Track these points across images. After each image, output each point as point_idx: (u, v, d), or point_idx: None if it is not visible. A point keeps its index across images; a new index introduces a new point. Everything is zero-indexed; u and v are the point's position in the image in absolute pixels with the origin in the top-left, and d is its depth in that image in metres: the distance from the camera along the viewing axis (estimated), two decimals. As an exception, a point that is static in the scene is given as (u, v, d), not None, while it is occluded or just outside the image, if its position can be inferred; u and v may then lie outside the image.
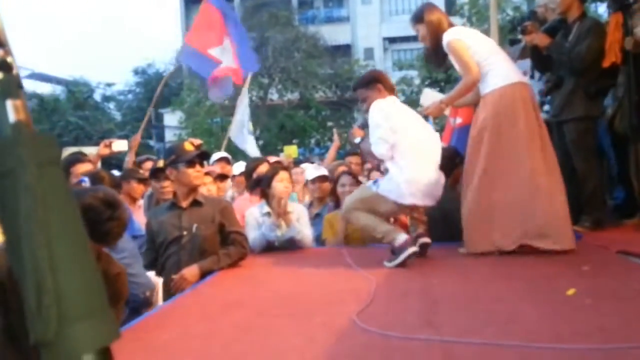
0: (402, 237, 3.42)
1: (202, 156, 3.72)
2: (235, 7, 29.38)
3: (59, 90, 32.66)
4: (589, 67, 4.29)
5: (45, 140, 0.60)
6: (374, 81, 3.77)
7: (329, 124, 24.83)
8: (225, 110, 23.01)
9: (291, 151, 7.21)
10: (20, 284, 0.56)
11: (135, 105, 33.85)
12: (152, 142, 30.86)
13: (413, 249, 3.41)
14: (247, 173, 5.17)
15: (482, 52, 3.65)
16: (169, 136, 28.82)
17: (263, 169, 4.92)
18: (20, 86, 0.60)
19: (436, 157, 3.64)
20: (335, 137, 7.60)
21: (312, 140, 24.15)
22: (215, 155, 6.01)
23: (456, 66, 3.72)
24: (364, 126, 3.99)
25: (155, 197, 4.64)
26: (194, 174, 3.60)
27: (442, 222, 4.11)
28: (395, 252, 3.43)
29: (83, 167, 4.19)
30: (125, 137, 28.90)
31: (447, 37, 3.72)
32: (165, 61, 34.72)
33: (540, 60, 4.67)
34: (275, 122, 23.00)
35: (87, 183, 3.62)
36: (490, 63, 3.62)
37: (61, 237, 0.57)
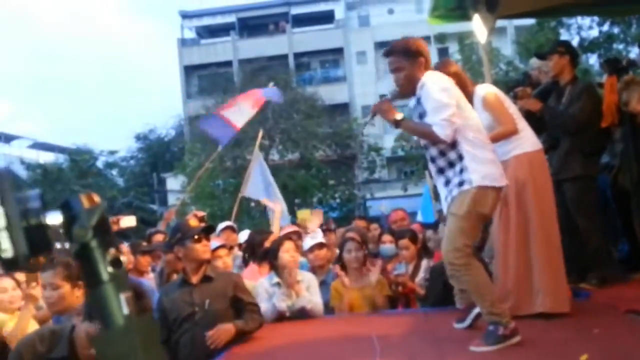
0: (512, 323, 3.00)
1: (208, 230, 3.82)
2: (234, 72, 30.17)
3: (62, 158, 33.08)
4: (583, 128, 4.42)
5: (149, 324, 0.75)
6: (418, 54, 3.27)
7: (331, 182, 25.01)
8: (227, 173, 23.27)
9: (305, 215, 7.31)
10: None
11: (138, 171, 34.21)
12: (155, 207, 31.02)
13: (517, 338, 2.97)
14: (252, 245, 5.19)
15: (513, 112, 3.80)
16: (172, 200, 28.98)
17: (271, 239, 4.98)
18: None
19: None
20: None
21: (315, 199, 24.25)
22: (220, 226, 6.08)
23: (481, 116, 3.54)
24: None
25: (166, 271, 4.69)
26: (202, 248, 3.68)
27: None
28: (497, 335, 2.96)
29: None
30: (129, 203, 29.20)
31: (483, 90, 3.78)
32: (167, 126, 35.35)
33: (534, 122, 4.81)
34: (276, 182, 23.10)
35: None
36: (520, 126, 3.75)
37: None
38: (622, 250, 5.25)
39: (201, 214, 4.52)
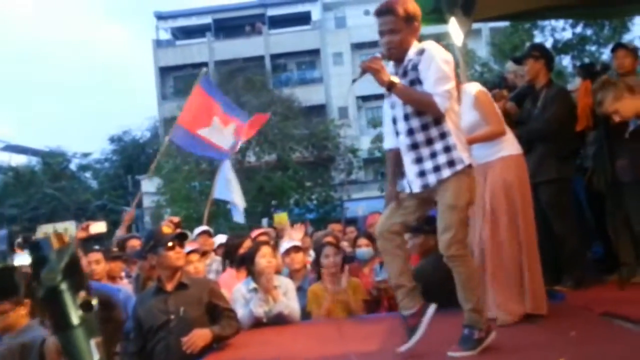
0: (487, 323, 3.03)
1: (181, 237, 3.77)
2: (210, 74, 29.97)
3: (34, 161, 32.53)
4: (557, 132, 4.46)
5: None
6: (414, 18, 3.10)
7: (308, 183, 24.97)
8: (203, 175, 23.10)
9: (281, 219, 7.28)
10: None
11: (112, 173, 33.77)
12: (129, 209, 30.65)
13: (493, 335, 3.00)
14: (230, 250, 5.13)
15: (498, 113, 3.78)
16: (147, 203, 28.68)
17: (248, 244, 4.93)
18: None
19: None
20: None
21: (291, 201, 24.20)
22: (196, 230, 6.02)
23: (467, 115, 3.56)
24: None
25: (142, 277, 4.61)
26: (175, 256, 3.63)
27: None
28: (473, 339, 2.95)
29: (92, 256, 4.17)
30: (103, 205, 28.83)
31: (473, 88, 3.72)
32: (142, 128, 34.98)
33: (510, 125, 4.84)
34: (253, 184, 23.05)
35: None
36: (506, 128, 3.75)
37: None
38: (597, 251, 5.31)
39: (176, 219, 4.46)
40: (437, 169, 3.03)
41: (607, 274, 4.76)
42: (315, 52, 33.15)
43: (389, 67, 3.20)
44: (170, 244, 3.60)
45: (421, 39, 3.22)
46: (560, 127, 4.45)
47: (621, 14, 9.66)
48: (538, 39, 17.45)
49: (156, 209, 25.63)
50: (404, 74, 3.10)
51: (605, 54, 16.39)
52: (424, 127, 3.05)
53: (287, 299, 4.26)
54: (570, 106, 4.60)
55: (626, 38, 16.40)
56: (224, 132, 7.99)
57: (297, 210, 23.92)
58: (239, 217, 8.80)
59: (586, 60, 16.83)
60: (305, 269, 4.89)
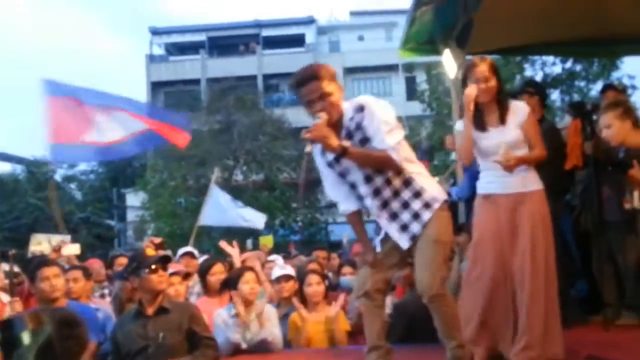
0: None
1: (165, 260, 3.70)
2: (202, 91, 29.98)
3: (19, 169, 32.17)
4: (546, 170, 4.42)
5: None
6: (335, 77, 3.08)
7: (294, 205, 24.88)
8: (189, 191, 22.96)
9: (267, 241, 7.26)
10: None
11: (97, 185, 33.47)
12: (113, 223, 30.36)
13: None
14: (201, 273, 5.04)
15: None
16: (131, 217, 28.43)
17: (218, 269, 4.85)
18: None
19: None
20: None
21: (277, 222, 24.09)
22: (180, 251, 5.94)
23: (510, 133, 3.40)
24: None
25: (121, 298, 4.50)
26: (157, 279, 3.56)
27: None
28: None
29: (49, 271, 4.05)
30: (87, 218, 28.50)
31: (524, 107, 3.54)
32: (129, 141, 34.73)
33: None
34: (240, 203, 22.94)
35: None
36: None
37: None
38: (581, 290, 5.29)
39: (157, 240, 4.35)
40: (416, 216, 2.97)
41: (591, 314, 4.74)
42: (307, 74, 33.26)
43: (315, 147, 3.08)
44: (153, 266, 3.53)
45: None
46: (549, 165, 4.43)
47: (610, 54, 9.80)
48: (528, 72, 17.66)
49: (140, 224, 25.40)
50: (349, 135, 3.00)
51: (594, 90, 16.63)
52: (388, 183, 2.99)
53: (270, 327, 4.19)
54: (560, 144, 4.62)
55: (615, 75, 16.64)
56: (114, 122, 6.80)
57: (282, 232, 23.81)
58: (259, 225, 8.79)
59: (575, 95, 17.06)
60: (294, 298, 4.81)
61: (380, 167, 2.96)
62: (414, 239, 2.97)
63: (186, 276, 5.32)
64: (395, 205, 2.98)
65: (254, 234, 20.99)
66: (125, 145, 6.90)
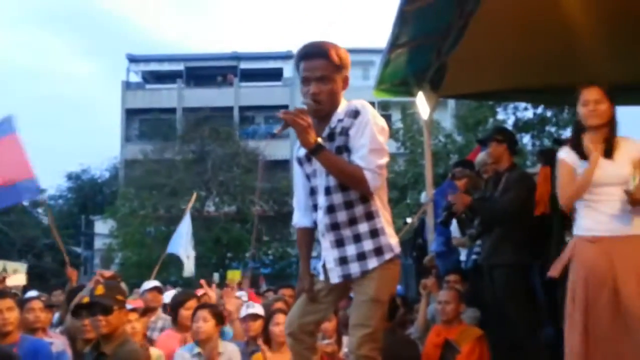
0: None
1: (94, 308, 3.36)
2: (177, 120, 29.88)
3: (-15, 192, 31.43)
4: (515, 216, 4.44)
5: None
6: (346, 67, 2.64)
7: (265, 238, 24.71)
8: (159, 221, 22.67)
9: (234, 275, 7.21)
10: None
11: (65, 210, 32.87)
12: (79, 250, 29.74)
13: None
14: (174, 306, 4.90)
15: None
16: (99, 244, 27.91)
17: (192, 304, 4.73)
18: None
19: None
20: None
21: (247, 254, 23.87)
22: (146, 285, 5.77)
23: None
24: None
25: (70, 332, 4.25)
26: (86, 328, 3.51)
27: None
28: None
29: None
30: (52, 244, 27.86)
31: (561, 155, 3.43)
32: (102, 168, 34.42)
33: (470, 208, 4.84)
34: (210, 234, 22.72)
35: None
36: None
37: None
38: (548, 334, 5.27)
39: (108, 273, 4.06)
40: (361, 256, 2.60)
41: (558, 360, 4.72)
42: (284, 108, 32.83)
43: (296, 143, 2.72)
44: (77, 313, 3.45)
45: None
46: (518, 212, 4.44)
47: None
48: (501, 115, 17.96)
49: (107, 252, 24.94)
50: (330, 136, 2.61)
51: (564, 136, 16.91)
52: (348, 205, 2.60)
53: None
54: (530, 192, 4.61)
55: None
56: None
57: (252, 264, 23.57)
58: (187, 272, 8.70)
59: (545, 140, 17.36)
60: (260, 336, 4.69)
61: (348, 183, 2.57)
62: (347, 278, 2.63)
63: (151, 310, 5.19)
64: (346, 232, 2.62)
65: (224, 267, 20.78)
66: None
